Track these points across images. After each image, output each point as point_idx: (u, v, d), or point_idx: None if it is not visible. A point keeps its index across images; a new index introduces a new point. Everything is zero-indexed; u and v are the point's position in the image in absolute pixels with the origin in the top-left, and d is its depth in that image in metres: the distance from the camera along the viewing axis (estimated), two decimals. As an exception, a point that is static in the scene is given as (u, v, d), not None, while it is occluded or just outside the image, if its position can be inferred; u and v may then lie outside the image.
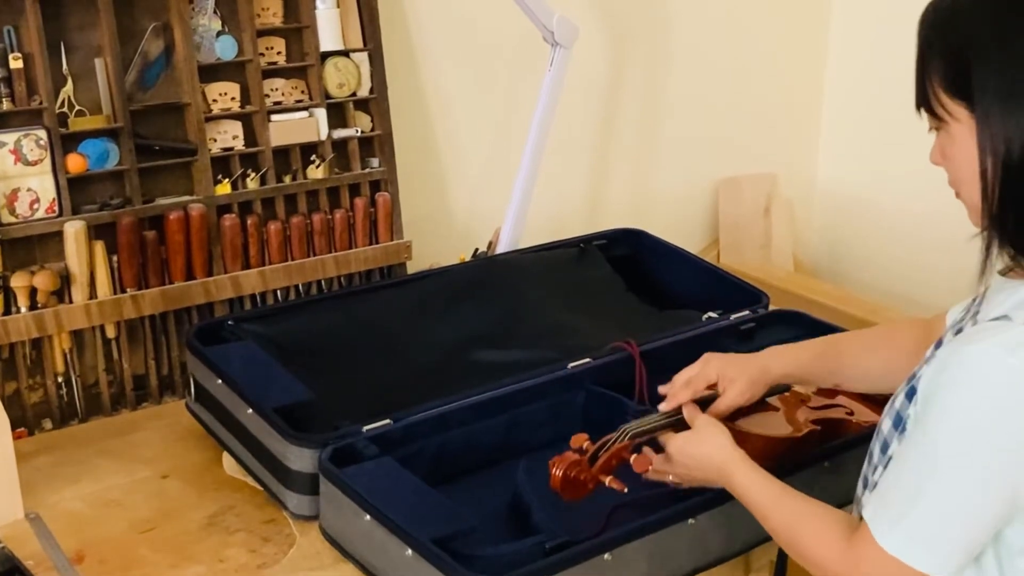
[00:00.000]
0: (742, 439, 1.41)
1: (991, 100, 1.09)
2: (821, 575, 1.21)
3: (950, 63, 1.11)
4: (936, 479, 1.10)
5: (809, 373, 1.54)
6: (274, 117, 2.04)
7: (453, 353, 1.87)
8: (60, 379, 1.89)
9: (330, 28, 2.08)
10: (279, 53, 2.07)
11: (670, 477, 1.43)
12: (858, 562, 1.16)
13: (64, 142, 1.85)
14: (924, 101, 1.16)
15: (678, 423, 1.46)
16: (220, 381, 1.68)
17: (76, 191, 1.87)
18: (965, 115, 1.11)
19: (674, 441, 1.42)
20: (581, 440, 1.45)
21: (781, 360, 1.53)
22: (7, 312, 1.82)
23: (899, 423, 1.19)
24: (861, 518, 1.17)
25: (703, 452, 1.39)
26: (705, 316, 1.99)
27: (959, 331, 1.20)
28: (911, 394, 1.17)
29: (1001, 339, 1.07)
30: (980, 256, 1.13)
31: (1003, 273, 1.17)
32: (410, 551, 1.33)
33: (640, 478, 1.45)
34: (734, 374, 1.50)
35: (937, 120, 1.15)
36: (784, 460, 1.49)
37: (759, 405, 1.60)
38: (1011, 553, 1.15)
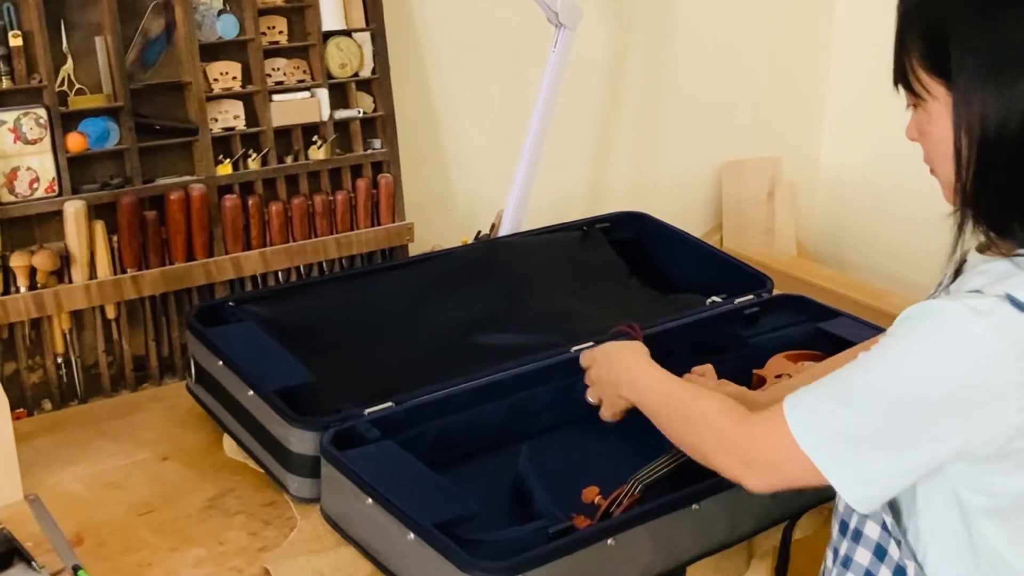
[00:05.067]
0: None
1: (968, 77, 1.09)
2: (713, 449, 1.22)
3: (929, 40, 1.12)
4: (872, 404, 1.09)
5: None
6: (275, 97, 2.03)
7: (455, 336, 1.87)
8: (60, 360, 1.88)
9: (332, 7, 2.07)
10: (281, 32, 2.05)
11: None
12: (763, 439, 1.16)
13: (64, 121, 1.83)
14: (902, 78, 1.16)
15: (685, 463, 1.46)
16: (221, 363, 1.67)
17: (76, 170, 1.86)
18: (942, 92, 1.12)
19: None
20: (592, 495, 1.47)
21: None
22: (6, 292, 1.81)
23: None
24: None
25: (616, 352, 1.48)
26: (709, 300, 1.98)
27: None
28: None
29: (971, 302, 1.08)
30: (953, 233, 1.14)
31: (980, 251, 1.18)
32: (412, 535, 1.32)
33: None
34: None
35: (915, 97, 1.16)
36: None
37: None
38: (977, 514, 1.14)
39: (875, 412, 1.09)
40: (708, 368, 1.59)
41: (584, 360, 1.56)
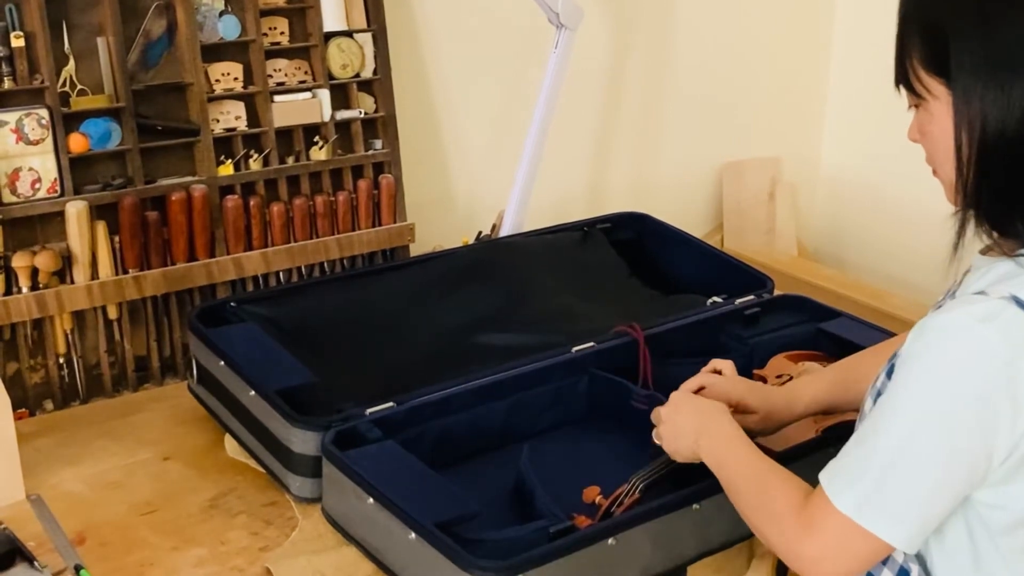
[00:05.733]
0: None
1: (968, 76, 1.09)
2: (774, 537, 1.20)
3: (929, 39, 1.12)
4: (896, 439, 1.09)
5: (830, 405, 1.52)
6: (277, 98, 2.03)
7: (456, 336, 1.87)
8: (61, 360, 1.88)
9: (334, 8, 2.07)
10: (282, 33, 2.05)
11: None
12: (811, 522, 1.14)
13: (66, 121, 1.84)
14: (903, 78, 1.16)
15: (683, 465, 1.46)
16: (222, 363, 1.67)
17: (78, 171, 1.86)
18: (943, 92, 1.12)
19: (660, 409, 1.46)
20: (593, 494, 1.48)
21: (801, 401, 1.52)
22: (8, 292, 1.81)
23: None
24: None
25: (688, 411, 1.41)
26: (709, 301, 1.98)
27: (939, 308, 1.19)
28: (891, 372, 1.16)
29: (973, 309, 1.08)
30: (954, 233, 1.14)
31: (983, 252, 1.18)
32: (413, 535, 1.33)
33: None
34: (756, 405, 1.50)
35: (916, 97, 1.16)
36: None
37: None
38: (991, 533, 1.14)
39: (906, 449, 1.08)
40: (728, 364, 1.57)
41: (655, 417, 1.48)
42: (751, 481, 1.26)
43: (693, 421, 1.39)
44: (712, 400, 1.44)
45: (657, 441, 1.45)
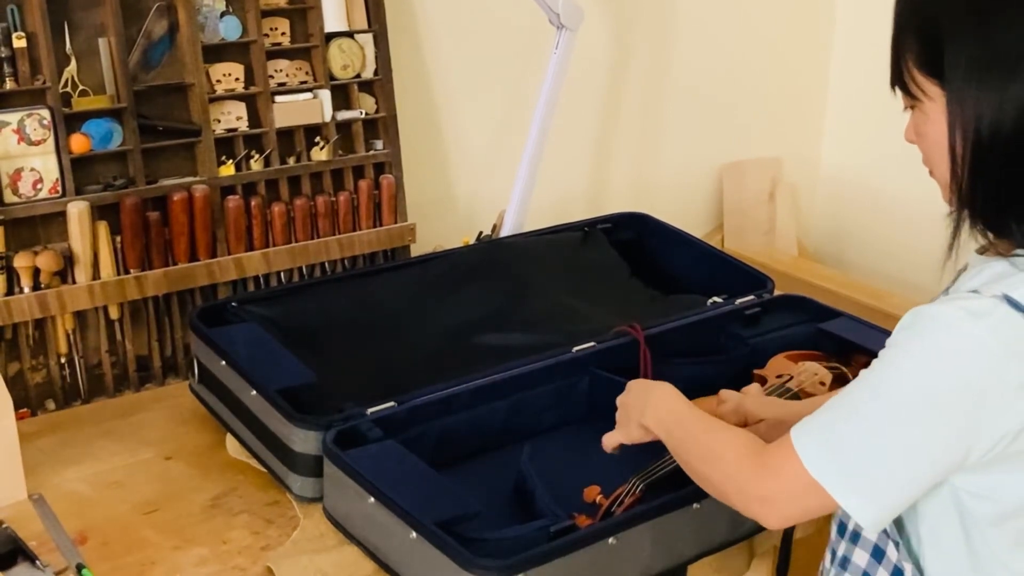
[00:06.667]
0: None
1: (962, 77, 1.09)
2: (723, 478, 1.20)
3: (924, 40, 1.12)
4: (880, 422, 1.09)
5: None
6: (278, 98, 2.03)
7: (457, 336, 1.87)
8: (63, 360, 1.88)
9: (335, 9, 2.07)
10: (283, 34, 2.06)
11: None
12: (776, 469, 1.14)
13: (67, 122, 1.84)
14: (898, 79, 1.17)
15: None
16: (224, 363, 1.67)
17: (79, 171, 1.86)
18: (938, 93, 1.12)
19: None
20: (593, 494, 1.48)
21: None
22: (10, 292, 1.81)
23: None
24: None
25: (636, 389, 1.43)
26: (710, 301, 1.98)
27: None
28: None
29: (966, 304, 1.08)
30: (949, 233, 1.14)
31: (979, 252, 1.18)
32: (414, 534, 1.33)
33: None
34: (764, 415, 1.50)
35: (911, 98, 1.16)
36: None
37: None
38: (979, 520, 1.15)
39: (881, 427, 1.09)
40: (754, 387, 1.58)
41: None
42: (699, 435, 1.27)
43: (638, 399, 1.40)
44: (660, 383, 1.43)
45: (608, 444, 1.46)
